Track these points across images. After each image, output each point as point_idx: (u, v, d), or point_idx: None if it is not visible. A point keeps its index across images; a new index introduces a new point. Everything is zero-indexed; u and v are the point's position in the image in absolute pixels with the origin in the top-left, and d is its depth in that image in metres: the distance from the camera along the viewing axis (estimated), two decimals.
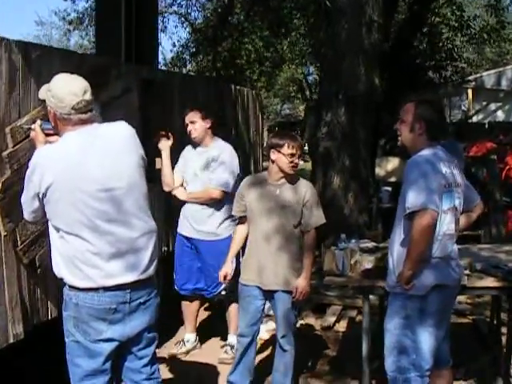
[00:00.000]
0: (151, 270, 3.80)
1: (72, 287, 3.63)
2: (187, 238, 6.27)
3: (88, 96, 3.64)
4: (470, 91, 24.44)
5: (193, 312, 6.55)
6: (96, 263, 3.58)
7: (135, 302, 3.72)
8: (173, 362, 6.25)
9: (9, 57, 4.21)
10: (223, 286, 6.12)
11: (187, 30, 25.61)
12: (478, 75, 25.96)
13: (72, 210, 3.52)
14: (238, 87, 10.48)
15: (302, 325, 7.05)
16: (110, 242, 3.59)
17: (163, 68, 23.37)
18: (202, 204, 6.12)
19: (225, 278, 5.33)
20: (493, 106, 25.54)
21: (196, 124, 6.13)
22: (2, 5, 72.52)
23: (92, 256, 3.57)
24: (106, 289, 3.61)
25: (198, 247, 6.22)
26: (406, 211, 4.14)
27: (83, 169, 3.53)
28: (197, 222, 6.15)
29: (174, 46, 25.20)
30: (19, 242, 4.33)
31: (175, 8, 24.62)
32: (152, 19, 7.29)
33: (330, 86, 9.88)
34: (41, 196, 3.55)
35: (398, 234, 4.27)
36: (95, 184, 3.53)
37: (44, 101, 3.70)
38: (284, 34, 22.74)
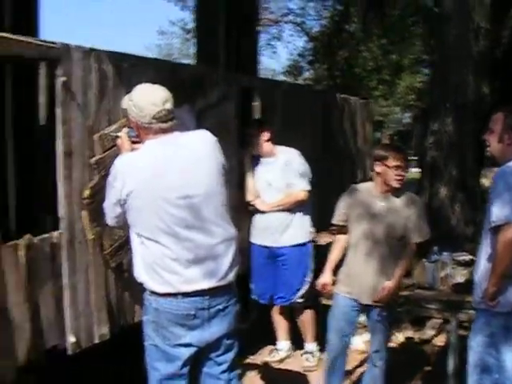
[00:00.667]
0: (230, 277, 3.81)
1: (152, 292, 3.70)
2: (265, 247, 6.29)
3: (169, 105, 3.73)
4: None
5: (283, 320, 6.55)
6: (175, 269, 3.63)
7: (214, 308, 3.75)
8: (264, 369, 6.28)
9: (99, 67, 4.36)
10: (300, 293, 6.17)
11: (303, 38, 25.70)
12: None
13: (153, 216, 3.60)
14: (344, 96, 10.43)
15: (400, 337, 6.96)
16: (188, 249, 3.64)
17: (279, 76, 23.51)
18: (282, 211, 6.17)
19: (324, 287, 5.16)
20: None
21: (257, 138, 6.22)
22: (125, 17, 75.16)
23: (171, 262, 3.63)
24: (185, 295, 3.65)
25: (277, 255, 6.24)
26: (490, 225, 4.03)
27: (165, 177, 3.61)
28: (278, 231, 6.18)
29: (290, 54, 25.37)
30: (106, 246, 4.46)
31: (291, 17, 24.79)
32: (252, 28, 7.35)
33: (438, 94, 9.71)
34: (122, 203, 3.65)
35: (485, 249, 4.15)
36: (175, 192, 3.60)
37: (126, 110, 3.81)
38: (401, 42, 22.54)
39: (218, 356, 3.89)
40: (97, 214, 4.30)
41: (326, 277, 5.12)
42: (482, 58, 9.58)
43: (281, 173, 6.19)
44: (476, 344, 4.17)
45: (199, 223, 3.67)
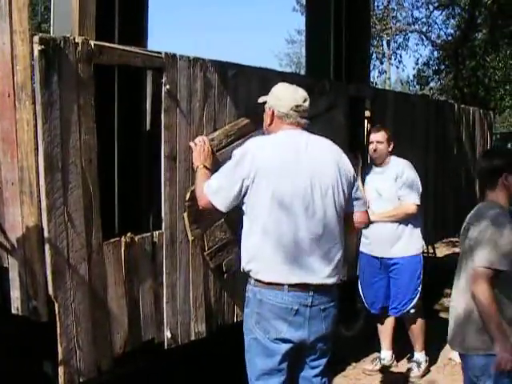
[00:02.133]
0: (335, 278, 3.88)
1: (257, 281, 3.81)
2: (375, 258, 6.32)
3: (307, 104, 3.99)
4: None
5: (388, 329, 6.56)
6: (283, 259, 3.73)
7: (316, 306, 3.79)
8: (364, 377, 6.36)
9: (204, 75, 4.55)
10: (413, 304, 6.16)
11: (428, 47, 25.39)
12: None
13: (268, 203, 3.74)
14: (463, 106, 10.30)
15: None
16: (296, 242, 3.75)
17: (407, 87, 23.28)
18: (393, 223, 6.19)
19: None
20: None
21: (382, 145, 6.26)
22: (256, 24, 76.04)
23: (280, 252, 3.74)
24: (290, 287, 3.72)
25: (388, 266, 6.27)
26: None
27: (291, 167, 3.78)
28: (389, 242, 6.20)
29: (416, 63, 25.04)
30: (206, 247, 4.62)
31: (417, 26, 24.53)
32: (363, 37, 7.39)
33: None
34: (245, 182, 3.78)
35: None
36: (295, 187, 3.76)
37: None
38: None
39: (312, 360, 3.95)
40: (198, 216, 4.48)
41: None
42: None
43: (392, 183, 6.23)
44: None
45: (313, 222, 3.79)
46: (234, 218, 4.66)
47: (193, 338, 4.60)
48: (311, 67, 7.02)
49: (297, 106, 3.91)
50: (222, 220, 4.66)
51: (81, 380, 3.80)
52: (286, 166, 3.77)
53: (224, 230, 4.71)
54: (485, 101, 22.01)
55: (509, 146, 33.64)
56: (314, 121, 5.38)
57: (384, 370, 6.51)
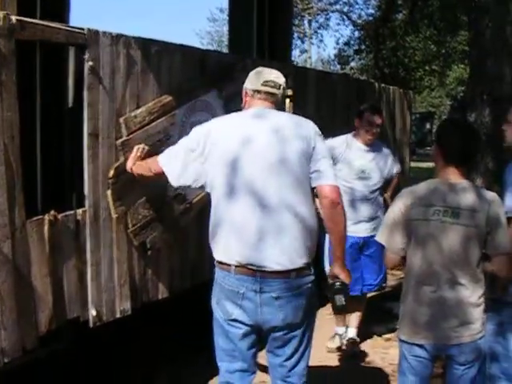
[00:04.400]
0: (293, 264, 3.67)
1: (215, 260, 3.77)
2: (359, 239, 6.24)
3: (278, 80, 3.91)
4: None
5: (355, 307, 6.48)
6: (233, 239, 3.66)
7: (267, 293, 3.64)
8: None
9: (127, 52, 4.52)
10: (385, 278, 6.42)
11: (349, 27, 25.69)
12: None
13: (221, 179, 3.69)
14: (383, 85, 10.47)
15: None
16: (244, 222, 3.65)
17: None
18: (372, 200, 6.29)
19: None
20: None
21: (378, 128, 6.34)
22: (178, 3, 75.32)
23: (230, 232, 3.67)
24: (237, 268, 3.63)
25: (369, 243, 6.18)
26: None
27: (246, 144, 3.70)
28: (371, 219, 6.24)
29: (336, 43, 25.36)
30: (130, 225, 4.61)
31: (338, 6, 24.77)
32: (286, 15, 7.45)
33: (475, 86, 9.68)
34: (200, 158, 3.75)
35: None
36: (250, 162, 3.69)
37: None
38: (451, 33, 22.36)
39: (276, 348, 3.86)
40: (121, 194, 4.48)
41: None
42: None
43: (381, 162, 6.40)
44: (486, 333, 4.22)
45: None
46: (158, 195, 4.69)
47: (118, 315, 4.60)
48: (234, 45, 7.06)
49: (266, 81, 3.86)
50: (145, 197, 4.67)
51: (5, 360, 3.75)
52: (240, 142, 3.68)
53: (147, 208, 4.71)
54: (405, 81, 22.43)
55: (427, 125, 34.38)
56: (236, 98, 5.43)
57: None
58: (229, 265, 3.67)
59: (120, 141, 4.48)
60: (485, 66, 9.29)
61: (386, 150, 6.52)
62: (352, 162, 6.23)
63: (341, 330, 6.55)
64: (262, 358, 4.11)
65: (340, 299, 3.84)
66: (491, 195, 3.84)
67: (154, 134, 4.71)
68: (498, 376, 4.20)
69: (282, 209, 3.63)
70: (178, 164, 3.81)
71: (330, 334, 6.55)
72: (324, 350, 6.33)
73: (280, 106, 3.98)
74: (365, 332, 6.72)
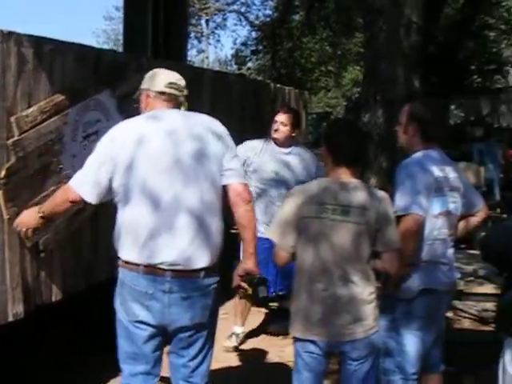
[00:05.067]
0: (201, 264, 3.69)
1: (120, 259, 3.72)
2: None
3: (182, 83, 3.96)
4: None
5: (247, 308, 6.57)
6: (141, 239, 3.62)
7: (176, 294, 3.64)
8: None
9: (18, 50, 4.41)
10: None
11: (246, 28, 25.83)
12: None
13: (128, 180, 3.67)
14: (279, 86, 10.57)
15: None
16: (149, 221, 3.63)
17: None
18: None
19: None
20: None
21: (286, 127, 6.36)
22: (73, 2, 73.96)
23: (136, 231, 3.64)
24: (146, 268, 3.61)
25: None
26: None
27: (153, 145, 3.69)
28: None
29: (234, 44, 25.43)
30: None
31: (235, 7, 24.85)
32: (181, 15, 7.44)
33: (369, 87, 9.89)
34: (109, 166, 3.69)
35: None
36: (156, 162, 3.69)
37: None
38: (346, 35, 22.75)
39: (180, 349, 3.84)
40: (13, 195, 4.37)
41: None
42: (413, 53, 9.73)
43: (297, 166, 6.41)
44: (380, 328, 4.30)
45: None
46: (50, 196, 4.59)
47: (11, 319, 4.49)
48: (129, 44, 7.00)
49: (170, 83, 3.87)
50: (39, 198, 4.57)
51: None
52: (147, 144, 3.66)
53: None
54: (301, 81, 22.71)
55: (324, 125, 35.00)
56: (129, 98, 5.39)
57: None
58: (137, 265, 3.64)
59: (11, 140, 4.36)
60: (378, 67, 9.49)
61: (306, 155, 6.53)
62: (265, 164, 6.30)
63: (239, 329, 6.57)
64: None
65: (263, 291, 3.92)
66: (381, 194, 3.94)
67: (47, 133, 4.62)
68: (392, 370, 4.32)
69: (178, 210, 3.63)
70: (90, 182, 3.73)
71: (226, 334, 6.56)
72: (221, 350, 6.33)
73: (182, 107, 3.98)
74: (262, 331, 6.77)
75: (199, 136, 3.77)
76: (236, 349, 6.47)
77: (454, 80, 15.17)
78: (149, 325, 3.69)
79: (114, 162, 3.67)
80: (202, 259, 3.68)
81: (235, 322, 6.60)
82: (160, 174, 3.65)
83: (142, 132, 3.72)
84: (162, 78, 3.91)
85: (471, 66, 18.41)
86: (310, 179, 6.15)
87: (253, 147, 6.40)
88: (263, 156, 6.31)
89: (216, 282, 3.81)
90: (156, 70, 4.02)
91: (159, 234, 3.61)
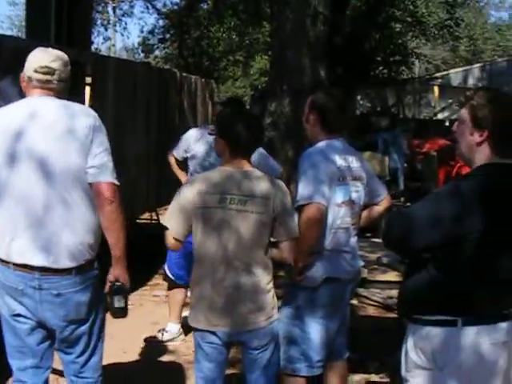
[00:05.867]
0: (69, 262, 3.53)
1: None
2: None
3: (55, 65, 3.57)
4: (436, 88, 24.51)
5: (179, 301, 6.44)
6: (8, 234, 3.51)
7: (47, 290, 3.51)
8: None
9: None
10: None
11: (153, 16, 25.62)
12: (445, 73, 26.11)
13: None
14: (185, 75, 10.52)
15: None
16: (15, 218, 3.50)
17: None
18: None
19: None
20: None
21: None
22: None
23: (3, 230, 3.53)
24: (16, 265, 3.49)
25: None
26: (296, 204, 4.12)
27: (13, 139, 3.49)
28: None
29: (141, 32, 25.17)
30: None
31: None
32: (86, 2, 7.30)
33: (276, 77, 9.94)
34: None
35: None
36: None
37: None
38: (256, 23, 22.79)
39: (66, 347, 3.74)
40: None
41: None
42: (320, 43, 9.84)
43: None
44: (284, 316, 4.28)
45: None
46: None
47: None
48: (31, 30, 6.83)
49: (41, 67, 3.53)
50: None
51: None
52: (8, 136, 3.47)
53: None
54: (208, 70, 22.61)
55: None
56: None
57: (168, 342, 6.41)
58: (7, 262, 3.52)
59: None
60: (285, 57, 9.57)
61: None
62: (198, 153, 6.29)
63: (173, 327, 6.45)
64: None
65: (120, 301, 3.72)
66: (279, 183, 3.93)
67: None
68: (297, 358, 4.30)
69: (40, 209, 3.47)
70: None
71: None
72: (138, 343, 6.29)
73: (61, 94, 3.66)
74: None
75: (67, 130, 3.51)
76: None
77: (360, 71, 15.40)
78: (27, 318, 3.59)
79: None
80: (70, 257, 3.52)
81: (170, 318, 6.52)
82: (17, 170, 3.48)
83: (17, 124, 3.51)
84: (32, 61, 3.58)
85: (377, 57, 18.71)
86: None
87: (192, 135, 6.43)
88: (198, 144, 6.30)
89: (93, 277, 3.68)
90: (33, 51, 3.65)
91: (24, 234, 3.48)
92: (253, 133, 3.90)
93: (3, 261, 3.54)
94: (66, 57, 3.69)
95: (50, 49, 3.71)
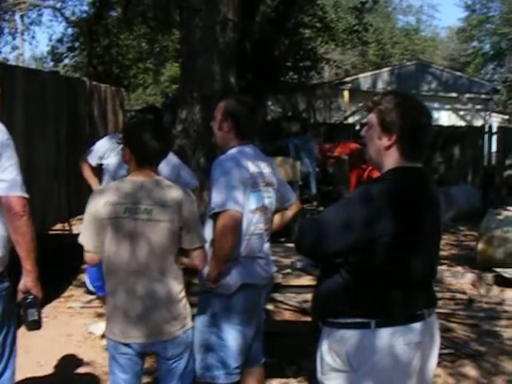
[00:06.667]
0: None
1: None
2: None
3: None
4: (346, 93, 24.83)
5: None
6: None
7: None
8: None
9: None
10: None
11: (62, 24, 25.31)
12: (355, 77, 26.46)
13: None
14: (94, 83, 10.41)
15: None
16: None
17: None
18: None
19: None
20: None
21: None
22: None
23: None
24: None
25: None
26: (210, 212, 4.14)
27: None
28: None
29: (49, 40, 24.80)
30: None
31: (50, 2, 24.25)
32: None
33: (186, 84, 9.92)
34: None
35: (208, 234, 4.20)
36: None
37: None
38: (166, 31, 22.70)
39: None
40: None
41: None
42: (229, 50, 9.84)
43: None
44: (200, 324, 4.28)
45: None
46: None
47: None
48: None
49: None
50: None
51: None
52: None
53: None
54: (118, 78, 22.41)
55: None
56: None
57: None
58: None
59: None
60: (195, 64, 9.56)
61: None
62: (110, 165, 6.30)
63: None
64: None
65: (33, 314, 3.69)
66: (188, 191, 3.93)
67: None
68: (215, 365, 4.30)
69: None
70: None
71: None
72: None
73: None
74: (85, 332, 6.67)
75: None
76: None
77: (270, 76, 15.49)
78: None
79: None
80: None
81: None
82: None
83: None
84: None
85: (287, 62, 18.86)
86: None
87: (105, 143, 6.44)
88: (112, 155, 6.24)
89: (4, 289, 3.64)
90: None
91: None
92: (159, 142, 3.87)
93: None
94: None
95: None
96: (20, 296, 3.69)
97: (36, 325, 3.74)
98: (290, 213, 4.66)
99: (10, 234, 3.60)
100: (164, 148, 3.97)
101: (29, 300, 3.67)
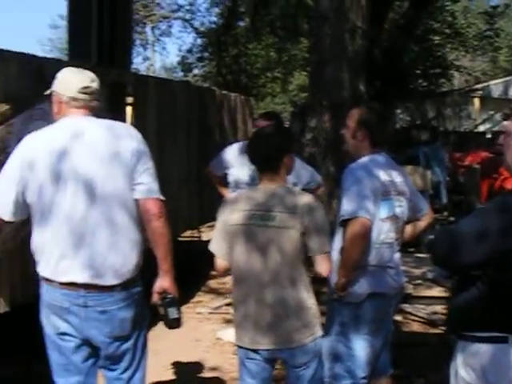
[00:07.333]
0: (114, 279, 3.57)
1: (39, 274, 3.62)
2: None
3: (95, 85, 3.70)
4: (476, 100, 24.25)
5: None
6: (54, 254, 3.54)
7: (92, 308, 3.55)
8: None
9: None
10: None
11: (191, 35, 25.86)
12: (486, 84, 25.79)
13: (39, 194, 3.55)
14: (224, 92, 10.56)
15: None
16: (61, 238, 3.53)
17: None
18: None
19: None
20: (500, 116, 25.30)
21: None
22: (19, 8, 73.16)
23: (48, 249, 3.56)
24: (61, 284, 3.52)
25: None
26: (340, 219, 4.13)
27: (61, 157, 3.53)
28: None
29: (179, 51, 25.39)
30: None
31: (180, 14, 24.79)
32: (126, 22, 7.37)
33: (315, 92, 9.94)
34: (21, 180, 3.56)
35: (337, 242, 4.21)
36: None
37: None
38: (294, 40, 22.83)
39: (110, 364, 3.76)
40: None
41: None
42: (358, 57, 9.83)
43: None
44: (329, 333, 4.26)
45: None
46: None
47: None
48: (73, 52, 6.91)
49: (84, 88, 3.62)
50: None
51: None
52: (54, 156, 3.50)
53: None
54: (247, 87, 22.68)
55: None
56: None
57: None
58: (52, 281, 3.55)
59: None
60: (324, 72, 9.56)
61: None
62: (243, 167, 6.14)
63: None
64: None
65: (173, 312, 3.74)
66: (310, 198, 3.88)
67: None
68: (342, 375, 4.27)
69: (86, 228, 3.52)
70: (8, 200, 3.56)
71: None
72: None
73: (98, 112, 3.75)
74: (213, 337, 6.75)
75: (113, 153, 3.57)
76: None
77: (399, 84, 15.32)
78: (72, 336, 3.62)
79: (28, 176, 3.53)
80: (115, 275, 3.56)
81: None
82: (62, 190, 3.51)
83: (61, 145, 3.55)
84: (75, 83, 3.65)
85: (416, 70, 18.62)
86: (302, 184, 5.95)
87: (231, 152, 6.33)
88: (242, 159, 6.28)
89: (137, 293, 3.71)
90: (67, 72, 3.76)
91: (69, 253, 3.51)
92: (269, 151, 3.89)
93: (48, 280, 3.58)
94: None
95: (80, 69, 3.79)
96: (156, 297, 3.74)
97: (177, 322, 3.78)
98: (422, 223, 4.57)
99: (142, 239, 3.69)
100: (277, 156, 3.92)
101: (168, 299, 3.73)
